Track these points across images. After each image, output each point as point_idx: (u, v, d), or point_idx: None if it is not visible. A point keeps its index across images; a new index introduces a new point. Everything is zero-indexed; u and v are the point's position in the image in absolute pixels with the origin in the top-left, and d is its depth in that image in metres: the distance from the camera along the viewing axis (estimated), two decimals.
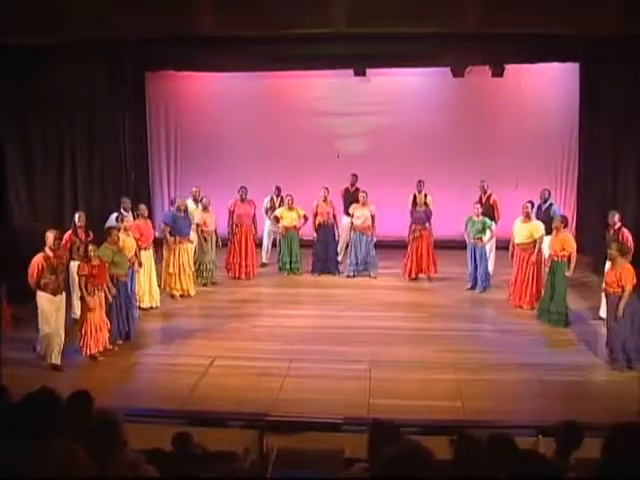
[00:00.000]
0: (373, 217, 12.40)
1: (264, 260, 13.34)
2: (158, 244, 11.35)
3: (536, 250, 10.33)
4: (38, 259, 8.09)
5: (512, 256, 10.65)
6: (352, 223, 12.46)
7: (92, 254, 8.44)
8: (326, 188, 12.73)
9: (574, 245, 9.68)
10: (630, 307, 8.07)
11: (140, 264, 10.07)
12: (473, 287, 11.50)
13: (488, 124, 14.46)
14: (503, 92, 14.29)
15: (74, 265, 9.08)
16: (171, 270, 11.12)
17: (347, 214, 12.88)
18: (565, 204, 14.44)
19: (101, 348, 8.58)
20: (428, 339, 9.14)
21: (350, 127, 14.80)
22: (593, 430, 4.23)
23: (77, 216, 9.79)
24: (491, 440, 3.92)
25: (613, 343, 8.24)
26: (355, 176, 13.26)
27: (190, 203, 12.44)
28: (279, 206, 12.95)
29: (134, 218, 10.73)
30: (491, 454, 3.80)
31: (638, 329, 8.12)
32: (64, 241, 9.56)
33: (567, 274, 9.48)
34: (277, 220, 12.65)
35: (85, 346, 8.44)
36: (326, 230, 12.71)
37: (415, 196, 12.47)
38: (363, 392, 7.49)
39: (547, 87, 14.48)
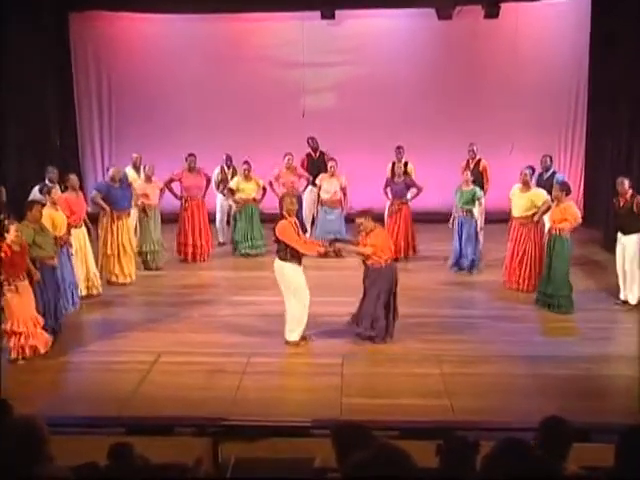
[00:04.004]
0: (344, 190, 12.38)
1: (220, 240, 13.31)
2: (92, 221, 11.17)
3: (537, 217, 10.31)
4: (287, 225, 8.46)
5: (509, 230, 10.69)
6: (319, 196, 12.42)
7: (14, 235, 8.19)
8: (290, 154, 12.68)
9: (578, 214, 9.68)
10: (377, 283, 8.62)
11: (70, 245, 9.92)
12: (459, 267, 11.57)
13: (479, 75, 14.48)
14: (498, 36, 14.30)
15: None
16: (109, 251, 11.00)
17: (313, 184, 12.85)
18: (570, 170, 14.52)
19: (42, 350, 8.36)
20: (409, 328, 9.13)
21: (317, 80, 14.75)
22: (603, 433, 4.24)
23: None
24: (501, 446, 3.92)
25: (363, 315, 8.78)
26: (314, 140, 13.23)
27: (130, 172, 12.32)
28: (231, 177, 12.86)
29: (62, 191, 10.55)
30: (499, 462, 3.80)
31: (383, 304, 8.64)
32: None
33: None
34: (232, 193, 12.56)
35: (15, 347, 8.19)
36: None
37: (394, 165, 12.46)
38: (335, 390, 7.49)
39: (551, 28, 14.45)
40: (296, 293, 8.62)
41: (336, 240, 9.26)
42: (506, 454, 3.76)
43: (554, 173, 11.72)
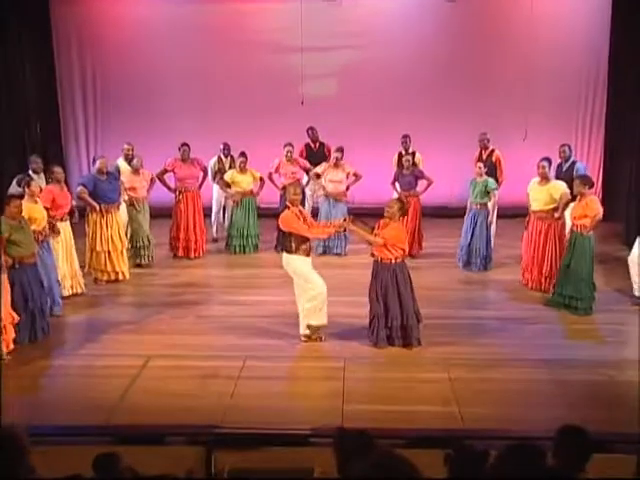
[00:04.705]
0: (357, 176, 12.43)
1: (214, 235, 13.31)
2: (79, 215, 11.14)
3: (559, 212, 10.26)
4: (289, 215, 8.51)
5: (527, 226, 10.64)
6: (323, 188, 12.43)
7: None
8: (290, 144, 12.68)
9: (599, 210, 9.50)
10: (384, 280, 8.54)
11: (58, 232, 9.89)
12: (470, 264, 11.54)
13: (491, 59, 14.46)
14: (511, 17, 14.27)
15: None
16: (99, 247, 10.96)
17: (317, 175, 12.86)
18: (589, 160, 14.46)
19: (9, 348, 8.33)
20: None
21: (317, 65, 14.72)
22: (624, 443, 4.20)
23: None
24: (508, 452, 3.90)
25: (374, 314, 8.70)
26: (314, 130, 13.23)
27: (122, 164, 12.34)
28: (229, 167, 12.87)
29: (47, 183, 10.54)
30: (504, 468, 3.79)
31: (398, 304, 8.56)
32: None
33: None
34: (227, 186, 12.56)
35: None
36: None
37: (400, 155, 12.42)
38: (336, 396, 7.45)
39: (568, 7, 14.38)
40: (308, 281, 8.67)
41: (350, 220, 9.06)
42: (515, 457, 3.75)
43: (574, 163, 11.62)
